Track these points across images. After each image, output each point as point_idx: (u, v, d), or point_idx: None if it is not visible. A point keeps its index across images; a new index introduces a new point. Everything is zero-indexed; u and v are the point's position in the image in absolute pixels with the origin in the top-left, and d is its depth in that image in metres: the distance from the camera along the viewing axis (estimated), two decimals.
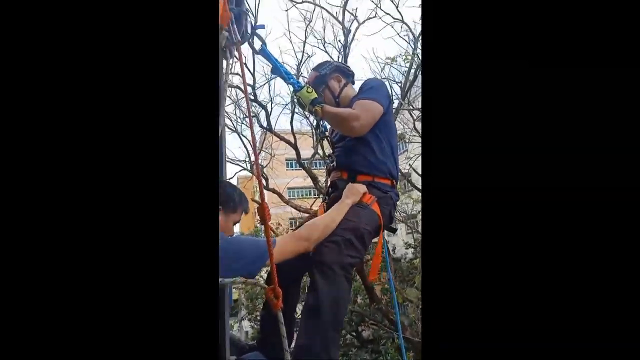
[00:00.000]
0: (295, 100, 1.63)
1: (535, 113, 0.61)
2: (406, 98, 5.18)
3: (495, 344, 0.57)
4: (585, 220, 0.59)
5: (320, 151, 5.49)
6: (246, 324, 9.39)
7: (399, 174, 1.73)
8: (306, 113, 5.69)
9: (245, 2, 1.36)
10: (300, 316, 1.41)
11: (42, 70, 0.59)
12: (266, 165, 6.59)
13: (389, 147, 1.62)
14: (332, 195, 1.65)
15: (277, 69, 1.64)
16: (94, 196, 0.61)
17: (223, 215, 1.26)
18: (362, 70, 16.85)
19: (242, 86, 4.72)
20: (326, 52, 5.47)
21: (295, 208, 5.96)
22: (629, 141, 0.58)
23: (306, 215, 5.82)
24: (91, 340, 0.57)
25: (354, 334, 7.07)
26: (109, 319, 0.59)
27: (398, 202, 1.80)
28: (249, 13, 1.44)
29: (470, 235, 0.61)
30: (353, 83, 1.81)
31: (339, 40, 5.36)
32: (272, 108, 10.04)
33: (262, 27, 1.44)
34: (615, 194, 0.58)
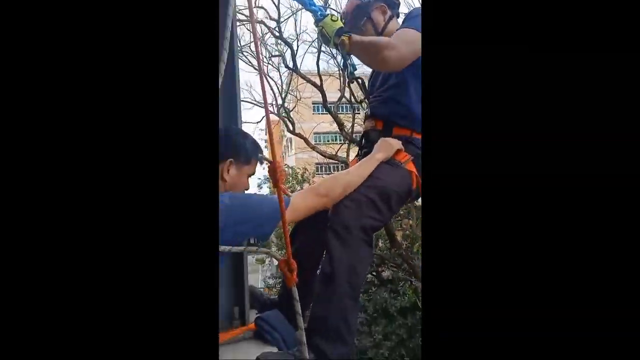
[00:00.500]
0: (318, 32, 1.34)
1: (535, 99, 0.59)
2: None
3: (496, 333, 0.58)
4: (588, 208, 0.57)
5: (347, 94, 5.33)
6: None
7: None
8: (331, 49, 5.42)
9: None
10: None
11: (29, 59, 0.57)
12: (292, 109, 6.49)
13: None
14: (364, 151, 1.42)
15: None
16: (88, 159, 0.57)
17: (235, 169, 1.12)
18: None
19: (265, 21, 4.38)
20: None
21: (321, 154, 5.95)
22: (633, 128, 0.56)
23: (332, 161, 5.83)
24: (88, 313, 0.56)
25: (374, 274, 7.39)
26: (104, 288, 0.57)
27: None
28: None
29: (471, 223, 0.60)
30: (398, 16, 1.48)
31: None
32: (298, 46, 9.62)
33: None
34: (619, 181, 0.56)
